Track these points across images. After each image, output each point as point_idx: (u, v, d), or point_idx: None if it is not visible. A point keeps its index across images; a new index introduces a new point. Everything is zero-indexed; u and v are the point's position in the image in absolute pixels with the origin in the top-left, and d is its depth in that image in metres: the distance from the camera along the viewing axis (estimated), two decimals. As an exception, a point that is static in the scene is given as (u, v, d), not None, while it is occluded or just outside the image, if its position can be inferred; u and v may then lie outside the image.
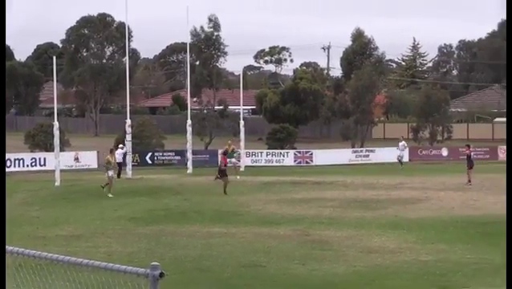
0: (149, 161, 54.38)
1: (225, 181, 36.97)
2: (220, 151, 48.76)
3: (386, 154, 59.17)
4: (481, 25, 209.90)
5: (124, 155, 46.43)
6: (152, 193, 37.43)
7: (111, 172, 37.37)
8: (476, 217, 30.76)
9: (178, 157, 50.19)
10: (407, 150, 58.69)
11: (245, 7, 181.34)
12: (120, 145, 47.50)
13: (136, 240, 25.43)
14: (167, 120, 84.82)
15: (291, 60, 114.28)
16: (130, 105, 52.75)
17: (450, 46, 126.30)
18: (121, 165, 45.28)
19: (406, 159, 57.70)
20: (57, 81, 50.76)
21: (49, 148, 50.33)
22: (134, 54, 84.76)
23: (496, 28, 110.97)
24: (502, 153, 60.13)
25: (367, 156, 61.65)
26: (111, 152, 40.40)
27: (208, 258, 22.57)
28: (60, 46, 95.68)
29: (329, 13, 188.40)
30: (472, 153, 45.71)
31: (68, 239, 25.11)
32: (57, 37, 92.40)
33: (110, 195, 35.77)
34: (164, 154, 57.21)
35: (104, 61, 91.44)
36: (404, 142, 57.24)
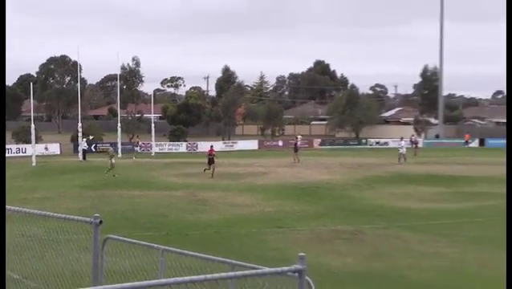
0: (93, 150, 70.95)
1: (213, 166, 44.66)
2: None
3: (244, 144, 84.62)
4: (304, 62, 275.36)
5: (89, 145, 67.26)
6: (96, 170, 47.28)
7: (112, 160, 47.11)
8: (299, 183, 40.76)
9: (112, 147, 59.44)
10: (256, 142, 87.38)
11: (156, 51, 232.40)
12: (84, 139, 64.65)
13: (85, 200, 32.63)
14: (104, 123, 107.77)
15: (184, 85, 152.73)
16: (80, 114, 70.16)
17: (283, 77, 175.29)
18: (85, 152, 62.73)
19: (256, 147, 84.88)
20: (33, 98, 70.15)
21: (28, 141, 64.94)
22: (83, 81, 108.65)
23: (312, 65, 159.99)
24: (316, 144, 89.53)
25: (232, 146, 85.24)
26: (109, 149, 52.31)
27: (131, 210, 29.30)
28: (35, 75, 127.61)
29: (207, 55, 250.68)
30: (299, 143, 59.48)
31: (41, 200, 31.56)
32: (33, 70, 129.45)
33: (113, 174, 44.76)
34: (103, 145, 74.01)
35: (64, 86, 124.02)
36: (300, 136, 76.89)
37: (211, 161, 45.15)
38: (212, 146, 49.75)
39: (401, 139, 67.29)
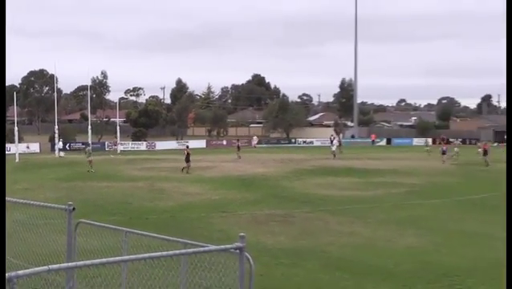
0: (68, 148, 71.02)
1: (189, 164, 42.92)
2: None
3: (194, 144, 79.77)
4: (244, 75, 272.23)
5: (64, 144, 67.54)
6: (70, 165, 47.92)
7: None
8: (240, 175, 40.92)
9: (84, 146, 60.87)
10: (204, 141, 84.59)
11: (121, 65, 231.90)
12: (60, 140, 65.02)
13: (61, 190, 32.41)
14: (77, 126, 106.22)
15: (144, 94, 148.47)
16: (57, 118, 69.84)
17: (227, 87, 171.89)
18: (61, 150, 62.77)
19: (204, 146, 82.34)
20: (16, 105, 69.55)
21: (12, 141, 63.92)
22: (59, 90, 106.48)
23: (250, 78, 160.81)
24: (253, 142, 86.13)
25: (184, 144, 76.54)
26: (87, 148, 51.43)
27: (100, 199, 28.98)
28: (18, 86, 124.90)
29: (164, 69, 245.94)
30: (239, 142, 59.11)
31: (24, 191, 31.08)
32: (16, 81, 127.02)
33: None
34: (76, 144, 75.32)
35: (43, 94, 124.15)
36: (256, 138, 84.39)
37: (187, 159, 43.46)
38: (187, 146, 49.24)
39: (333, 139, 68.03)
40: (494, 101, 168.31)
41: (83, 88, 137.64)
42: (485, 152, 51.11)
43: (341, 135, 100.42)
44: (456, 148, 59.38)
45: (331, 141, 74.83)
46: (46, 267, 5.56)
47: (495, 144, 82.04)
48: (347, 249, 17.74)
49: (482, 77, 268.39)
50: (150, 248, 8.47)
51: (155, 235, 8.92)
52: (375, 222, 22.71)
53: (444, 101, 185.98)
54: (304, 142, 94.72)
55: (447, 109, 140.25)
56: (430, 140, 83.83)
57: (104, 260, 6.19)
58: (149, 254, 6.60)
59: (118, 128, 76.96)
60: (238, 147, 63.03)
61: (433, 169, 46.29)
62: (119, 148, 74.45)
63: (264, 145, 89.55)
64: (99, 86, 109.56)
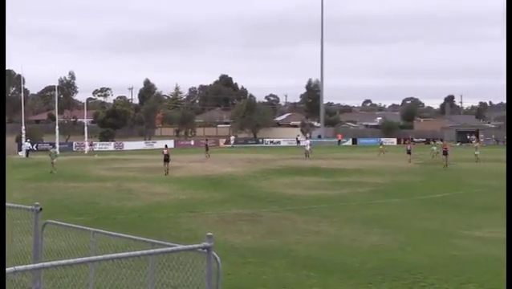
0: (35, 148, 70.09)
1: (167, 165, 41.89)
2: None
3: (162, 144, 75.03)
4: (211, 76, 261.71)
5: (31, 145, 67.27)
6: (37, 165, 46.71)
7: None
8: (208, 175, 40.75)
9: (51, 146, 59.58)
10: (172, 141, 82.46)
11: (88, 66, 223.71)
12: (28, 140, 65.43)
13: (27, 191, 31.65)
14: (44, 126, 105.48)
15: (112, 95, 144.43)
16: (24, 119, 69.22)
17: (195, 88, 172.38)
18: (28, 151, 63.39)
19: (172, 146, 76.50)
20: None
21: None
22: (26, 91, 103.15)
23: (218, 79, 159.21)
24: (222, 143, 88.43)
25: (152, 144, 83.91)
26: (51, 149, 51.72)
27: (67, 199, 28.81)
28: None
29: (132, 70, 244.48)
30: (208, 142, 59.21)
31: None
32: None
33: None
34: (44, 145, 73.89)
35: (9, 95, 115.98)
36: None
37: (166, 159, 42.57)
38: (166, 146, 48.67)
39: (306, 139, 68.36)
40: (457, 102, 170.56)
41: (50, 89, 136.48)
42: (445, 153, 50.70)
43: (307, 135, 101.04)
44: (434, 147, 60.24)
45: (298, 141, 75.26)
46: (12, 268, 5.49)
47: (457, 144, 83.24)
48: (314, 247, 17.81)
49: (445, 78, 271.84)
50: (118, 248, 8.40)
51: (122, 235, 8.85)
52: (342, 221, 22.84)
53: (408, 102, 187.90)
54: (271, 142, 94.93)
55: (411, 110, 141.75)
56: (383, 141, 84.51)
57: (71, 260, 6.14)
58: (117, 254, 6.57)
59: (86, 128, 76.31)
60: (207, 146, 63.16)
61: (398, 169, 46.74)
62: (88, 148, 73.98)
63: (231, 145, 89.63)
64: (67, 86, 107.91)
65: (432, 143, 70.15)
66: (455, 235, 19.97)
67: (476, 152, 55.75)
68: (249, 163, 51.43)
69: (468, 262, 15.73)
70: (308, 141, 66.93)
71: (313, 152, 64.64)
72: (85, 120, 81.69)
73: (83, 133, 76.93)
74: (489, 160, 53.48)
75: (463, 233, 20.51)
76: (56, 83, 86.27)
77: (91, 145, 74.29)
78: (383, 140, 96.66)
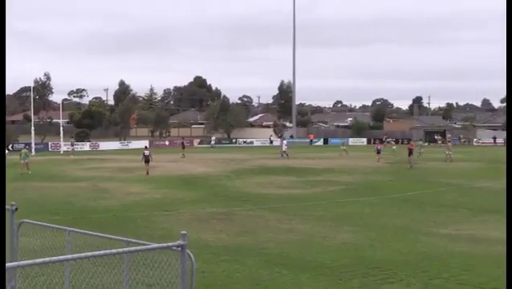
0: (11, 149, 69.22)
1: (147, 165, 41.40)
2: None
3: (137, 144, 78.34)
4: (186, 77, 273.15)
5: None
6: (11, 166, 43.95)
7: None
8: (183, 175, 40.81)
9: (27, 146, 57.09)
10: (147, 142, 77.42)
11: (64, 67, 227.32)
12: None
13: None
14: (20, 127, 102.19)
15: (87, 96, 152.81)
16: None
17: (169, 89, 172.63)
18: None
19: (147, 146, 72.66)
20: None
21: None
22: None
23: (192, 80, 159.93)
24: (196, 143, 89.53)
25: (127, 145, 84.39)
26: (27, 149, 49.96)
27: (43, 199, 28.48)
28: None
29: (107, 71, 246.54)
30: (185, 142, 59.13)
31: None
32: None
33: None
34: (19, 145, 69.74)
35: None
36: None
37: (147, 160, 41.99)
38: (146, 146, 48.18)
39: (283, 139, 68.38)
40: (425, 103, 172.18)
41: (25, 89, 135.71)
42: (410, 153, 50.52)
43: (283, 135, 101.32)
44: (421, 149, 60.75)
45: (271, 142, 75.20)
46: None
47: (426, 144, 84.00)
48: (286, 245, 17.85)
49: (413, 80, 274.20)
50: (93, 247, 8.36)
51: (98, 234, 8.80)
52: (313, 219, 22.93)
53: (378, 103, 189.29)
54: (244, 142, 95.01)
55: (381, 110, 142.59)
56: (347, 140, 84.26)
57: (47, 259, 6.07)
58: (92, 253, 6.53)
59: (61, 128, 76.01)
60: (183, 145, 62.91)
61: (368, 168, 47.05)
62: (70, 148, 72.49)
63: (206, 145, 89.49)
64: (42, 87, 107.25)
65: (393, 143, 70.94)
66: (423, 232, 20.16)
67: (448, 152, 56.23)
68: (223, 163, 51.41)
69: (435, 258, 15.88)
70: (285, 142, 67.06)
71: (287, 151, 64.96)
72: (61, 121, 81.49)
73: (59, 134, 76.37)
74: (459, 160, 54.14)
75: (430, 230, 20.73)
76: (32, 84, 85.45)
77: (72, 145, 73.43)
78: (351, 140, 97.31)
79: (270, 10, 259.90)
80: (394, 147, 60.59)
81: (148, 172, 40.73)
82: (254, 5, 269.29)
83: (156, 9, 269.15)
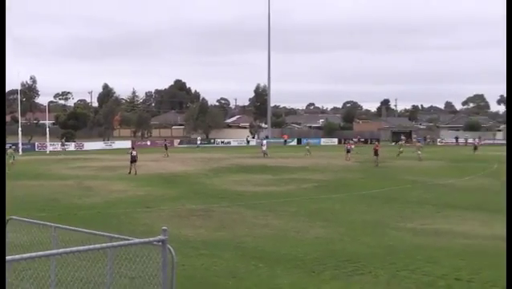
0: None
1: (134, 165, 40.32)
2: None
3: (120, 144, 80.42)
4: (166, 81, 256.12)
5: None
6: None
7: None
8: (164, 173, 40.72)
9: (14, 146, 57.70)
10: (130, 142, 76.86)
11: (50, 71, 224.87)
12: None
13: None
14: (8, 128, 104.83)
15: (72, 98, 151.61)
16: None
17: (151, 92, 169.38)
18: None
19: (130, 146, 72.12)
20: None
21: None
22: None
23: (173, 83, 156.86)
24: (176, 143, 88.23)
25: (111, 145, 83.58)
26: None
27: (30, 197, 27.96)
28: None
29: (91, 75, 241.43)
30: (167, 142, 59.22)
31: None
32: None
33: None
34: (7, 145, 69.09)
35: None
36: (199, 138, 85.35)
37: (133, 160, 40.84)
38: (133, 147, 47.47)
39: (263, 140, 68.39)
40: (392, 105, 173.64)
41: (13, 92, 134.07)
42: (376, 153, 50.35)
43: (256, 136, 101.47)
44: (401, 148, 61.25)
45: (248, 142, 75.21)
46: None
47: (393, 144, 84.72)
48: (262, 240, 17.87)
49: (381, 83, 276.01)
50: (78, 242, 8.31)
51: (83, 230, 8.78)
52: (287, 215, 22.97)
53: (348, 105, 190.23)
54: (222, 142, 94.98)
55: (351, 112, 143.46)
56: (311, 141, 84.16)
57: (33, 254, 6.05)
58: (77, 248, 6.51)
59: (47, 129, 75.69)
60: (166, 146, 62.78)
61: (338, 166, 47.30)
62: (49, 148, 73.01)
63: (185, 145, 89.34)
64: (29, 90, 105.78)
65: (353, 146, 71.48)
66: (390, 227, 20.31)
67: (418, 152, 56.81)
68: (202, 162, 51.32)
69: (402, 251, 16.01)
70: (265, 142, 67.12)
71: (259, 151, 65.11)
72: (47, 122, 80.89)
73: (45, 134, 75.90)
74: (424, 159, 54.66)
75: (397, 225, 20.89)
76: (19, 87, 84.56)
77: (63, 145, 73.29)
78: (323, 140, 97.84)
79: (246, 16, 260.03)
80: (353, 146, 61.24)
81: (136, 172, 39.71)
82: (233, 12, 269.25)
83: (139, 15, 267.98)
